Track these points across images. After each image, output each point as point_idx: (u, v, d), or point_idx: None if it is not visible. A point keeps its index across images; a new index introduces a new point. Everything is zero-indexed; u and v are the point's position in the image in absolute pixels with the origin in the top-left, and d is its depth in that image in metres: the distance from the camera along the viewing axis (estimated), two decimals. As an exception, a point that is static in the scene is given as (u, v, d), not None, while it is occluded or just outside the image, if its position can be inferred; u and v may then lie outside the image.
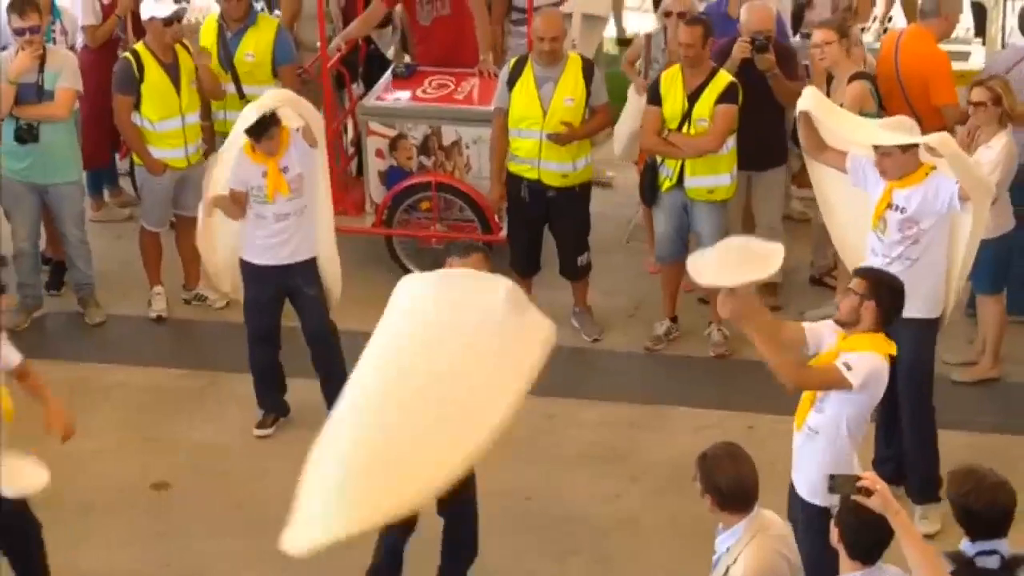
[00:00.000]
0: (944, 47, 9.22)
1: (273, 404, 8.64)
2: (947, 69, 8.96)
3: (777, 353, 6.19)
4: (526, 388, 5.80)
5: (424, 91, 9.96)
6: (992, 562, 5.28)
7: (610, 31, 12.54)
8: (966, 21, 11.17)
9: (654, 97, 8.88)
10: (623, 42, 12.52)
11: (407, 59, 10.53)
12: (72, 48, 10.00)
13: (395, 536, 6.95)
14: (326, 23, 9.94)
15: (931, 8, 9.06)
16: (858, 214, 7.52)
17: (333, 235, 8.48)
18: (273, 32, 9.74)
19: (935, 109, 8.82)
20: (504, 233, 9.56)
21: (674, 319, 9.36)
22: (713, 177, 8.89)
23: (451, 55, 10.16)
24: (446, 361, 5.79)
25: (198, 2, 10.46)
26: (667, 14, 9.52)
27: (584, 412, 8.58)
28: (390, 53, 10.77)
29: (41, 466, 6.31)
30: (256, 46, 9.69)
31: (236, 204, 8.21)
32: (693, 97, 8.77)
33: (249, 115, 8.03)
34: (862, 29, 9.94)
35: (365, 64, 10.74)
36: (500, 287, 6.10)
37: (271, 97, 8.17)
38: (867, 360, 6.18)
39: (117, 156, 10.78)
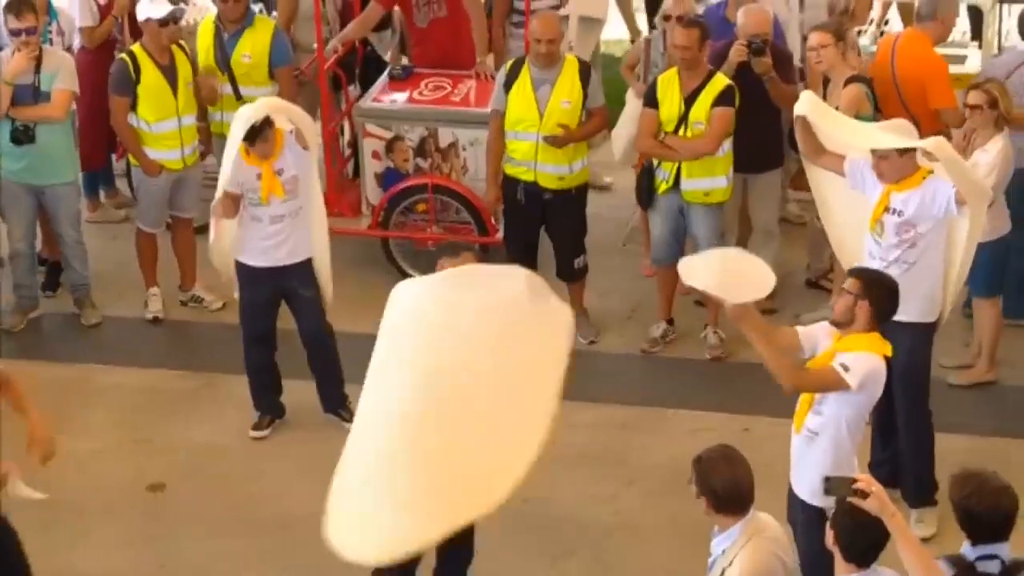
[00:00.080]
0: (940, 51, 9.22)
1: (269, 406, 8.63)
2: (944, 73, 8.97)
3: (775, 355, 6.21)
4: (563, 375, 5.76)
5: (421, 93, 9.97)
6: (993, 567, 5.28)
7: (614, 33, 12.54)
8: (962, 25, 11.16)
9: (651, 100, 8.88)
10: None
11: (404, 61, 10.52)
12: (69, 49, 10.01)
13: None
14: (323, 25, 9.94)
15: (927, 12, 9.06)
16: (856, 217, 7.52)
17: (327, 236, 8.48)
18: (270, 33, 9.74)
19: (932, 113, 8.82)
20: (500, 235, 9.56)
21: (670, 321, 9.36)
22: (709, 180, 8.90)
23: (448, 57, 10.16)
24: (486, 360, 5.72)
25: (196, 3, 10.49)
26: (666, 17, 9.52)
27: (580, 414, 8.57)
28: (389, 56, 10.76)
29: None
30: (253, 47, 9.69)
31: (231, 205, 8.21)
32: (690, 100, 8.77)
33: (243, 116, 8.02)
34: (858, 32, 9.94)
35: (362, 66, 10.74)
36: (519, 276, 6.06)
37: (262, 106, 8.16)
38: (864, 360, 6.18)
39: (113, 157, 10.77)
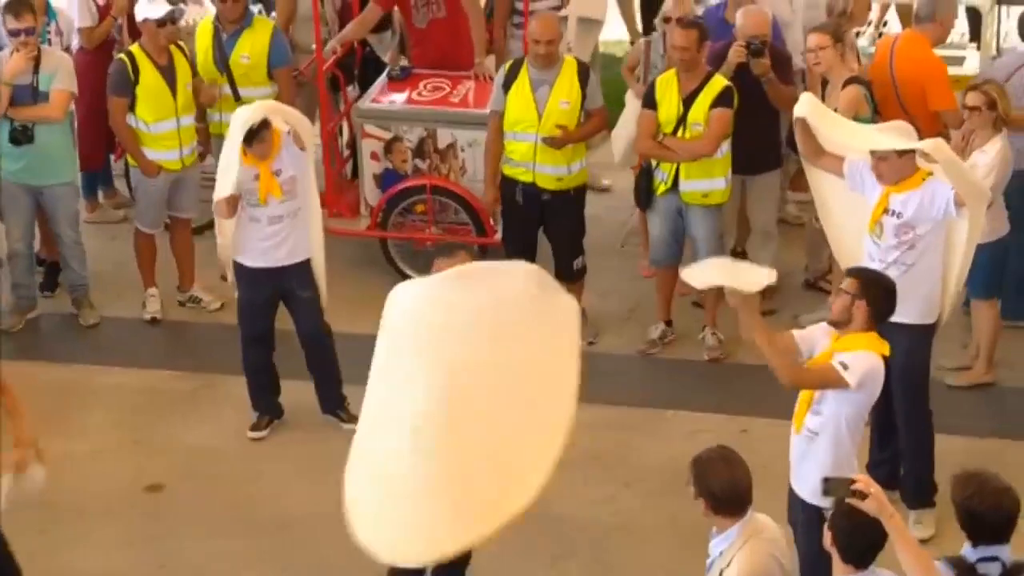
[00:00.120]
0: (939, 52, 9.22)
1: (267, 406, 8.63)
2: (944, 74, 8.97)
3: (776, 351, 6.21)
4: (578, 370, 5.76)
5: (419, 94, 9.97)
6: (994, 569, 5.28)
7: (613, 34, 12.54)
8: (961, 26, 11.16)
9: (649, 101, 8.88)
10: None
11: (403, 62, 10.52)
12: (67, 49, 10.01)
13: None
14: (321, 25, 9.94)
15: (926, 13, 9.06)
16: (856, 219, 7.52)
17: (322, 237, 8.48)
18: (269, 34, 9.74)
19: (931, 114, 8.83)
20: (499, 236, 9.56)
21: (669, 322, 9.36)
22: (708, 181, 8.90)
23: (447, 58, 10.16)
24: (500, 360, 5.67)
25: (195, 4, 10.49)
26: (666, 19, 9.51)
27: (579, 414, 8.51)
28: (389, 57, 10.76)
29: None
30: (252, 48, 9.69)
31: (226, 206, 8.21)
32: (688, 101, 8.77)
33: (240, 118, 8.02)
34: (857, 33, 9.95)
35: (361, 67, 10.74)
36: (522, 271, 6.02)
37: (259, 108, 8.15)
38: (863, 359, 6.20)
39: (112, 157, 10.77)
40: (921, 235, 7.29)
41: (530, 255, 9.26)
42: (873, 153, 7.33)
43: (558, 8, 10.31)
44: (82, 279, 9.70)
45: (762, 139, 9.15)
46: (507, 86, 9.02)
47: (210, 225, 9.01)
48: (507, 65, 9.19)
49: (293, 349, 8.52)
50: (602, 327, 9.50)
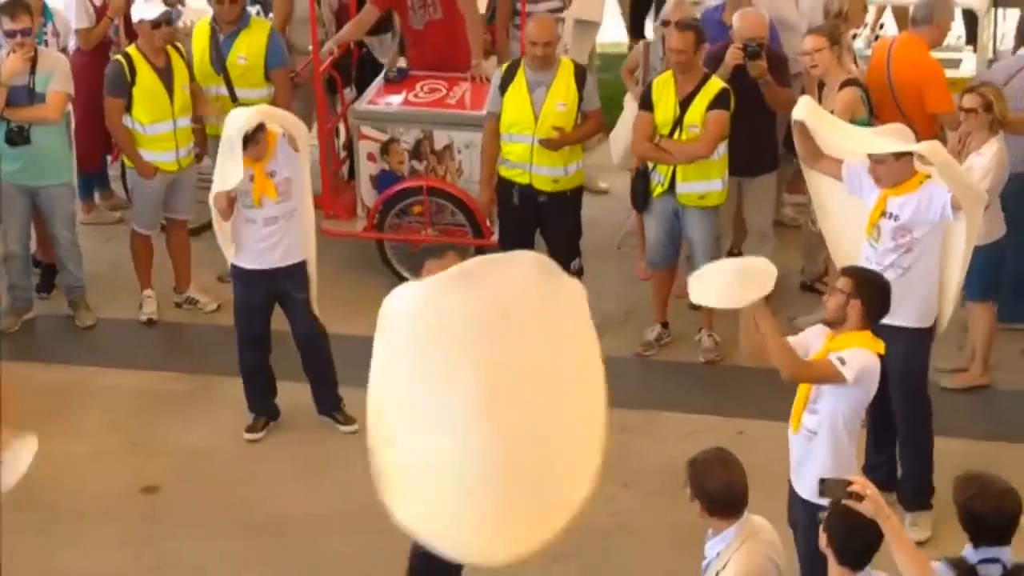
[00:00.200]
0: (935, 55, 9.23)
1: (263, 408, 8.63)
2: (941, 77, 8.97)
3: (780, 344, 6.21)
4: (600, 366, 5.77)
5: (416, 95, 9.97)
6: (995, 571, 5.28)
7: (611, 36, 12.56)
8: (957, 29, 11.17)
9: (646, 103, 8.89)
10: None
11: (401, 63, 10.52)
12: (64, 51, 10.00)
13: None
14: (318, 27, 9.94)
15: (923, 16, 9.06)
16: (854, 221, 7.52)
17: (314, 240, 8.47)
18: (266, 35, 9.74)
19: (928, 117, 8.83)
20: (496, 238, 9.56)
21: (665, 324, 9.37)
22: (704, 183, 8.90)
23: (444, 59, 10.15)
24: (527, 357, 5.64)
25: (193, 5, 10.49)
26: (665, 23, 9.51)
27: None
28: (388, 58, 10.75)
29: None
30: (249, 49, 9.70)
31: (228, 205, 8.21)
32: (685, 103, 8.78)
33: (236, 121, 8.01)
34: (853, 36, 9.95)
35: (357, 68, 10.74)
36: (522, 261, 5.95)
37: (254, 113, 8.14)
38: (859, 355, 6.20)
39: (108, 158, 10.77)
40: (918, 238, 7.29)
41: (527, 257, 9.26)
42: (870, 156, 7.33)
43: (559, 10, 10.31)
44: (78, 280, 9.69)
45: (759, 141, 9.16)
46: (504, 88, 9.02)
47: (207, 227, 9.00)
48: (504, 67, 9.20)
49: (289, 350, 8.52)
50: (598, 329, 9.37)
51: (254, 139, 8.03)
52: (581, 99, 8.97)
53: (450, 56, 10.12)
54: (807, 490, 6.34)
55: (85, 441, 8.51)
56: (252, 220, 8.23)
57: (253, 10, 10.71)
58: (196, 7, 11.35)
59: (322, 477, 8.26)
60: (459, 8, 10.05)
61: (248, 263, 8.33)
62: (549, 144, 8.92)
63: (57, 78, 9.26)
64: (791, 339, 6.44)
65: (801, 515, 6.38)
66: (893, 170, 7.28)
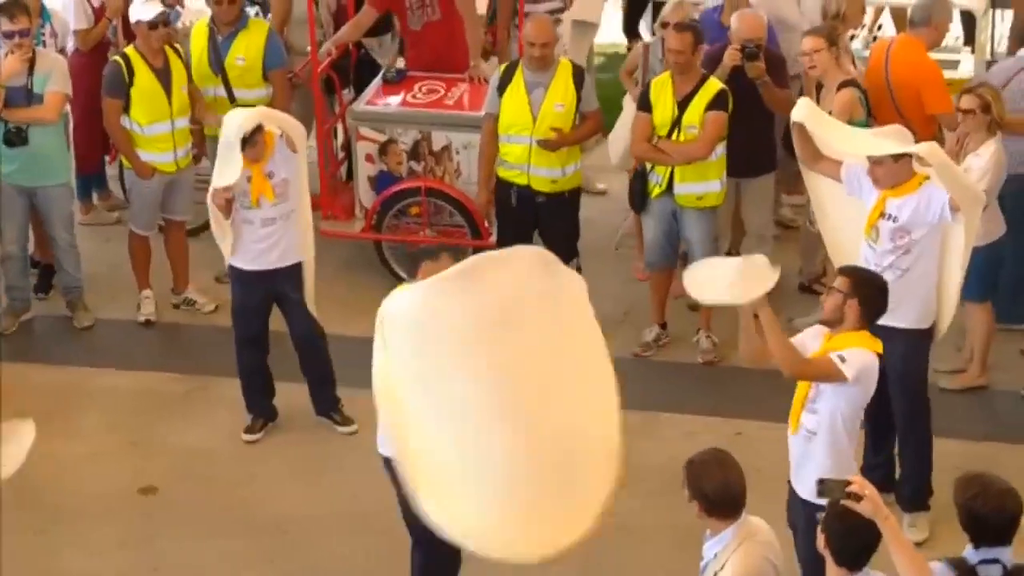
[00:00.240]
0: (933, 56, 9.23)
1: (261, 408, 8.63)
2: (940, 78, 8.97)
3: (782, 342, 6.21)
4: (611, 369, 5.78)
5: (414, 96, 9.97)
6: (995, 571, 5.28)
7: (609, 37, 12.55)
8: (955, 30, 11.18)
9: (644, 104, 8.89)
10: None
11: (400, 63, 10.52)
12: (62, 51, 10.00)
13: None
14: (316, 28, 9.94)
15: (921, 17, 9.07)
16: (853, 223, 7.53)
17: (312, 240, 8.47)
18: (264, 36, 9.74)
19: (926, 118, 8.83)
20: (494, 238, 9.56)
21: (663, 325, 9.37)
22: (702, 184, 8.90)
23: (442, 60, 10.15)
24: (537, 356, 5.63)
25: (191, 6, 10.48)
26: (664, 25, 9.51)
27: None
28: (388, 59, 10.76)
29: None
30: (247, 50, 9.69)
31: (227, 204, 8.20)
32: (683, 104, 8.78)
33: (234, 122, 8.01)
34: (851, 36, 9.95)
35: (356, 69, 10.74)
36: (523, 256, 5.93)
37: (253, 116, 8.14)
38: (859, 354, 6.21)
39: (106, 159, 10.77)
40: (917, 239, 7.29)
41: (525, 258, 9.25)
42: (869, 157, 7.34)
43: (560, 11, 10.31)
44: (76, 281, 9.69)
45: (757, 142, 9.16)
46: (502, 89, 9.02)
47: (205, 227, 9.00)
48: (502, 68, 9.20)
49: (287, 351, 8.52)
50: (597, 330, 9.48)
51: (252, 140, 8.04)
52: (579, 100, 8.97)
53: (448, 57, 10.12)
54: (806, 491, 6.34)
55: (84, 442, 8.51)
56: (250, 221, 8.24)
57: (251, 11, 10.70)
58: (194, 8, 11.36)
59: (320, 478, 8.26)
60: (457, 9, 10.06)
61: (246, 264, 8.33)
62: (547, 145, 8.92)
63: (55, 79, 9.26)
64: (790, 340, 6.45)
65: (801, 516, 6.38)
66: (892, 171, 7.28)
